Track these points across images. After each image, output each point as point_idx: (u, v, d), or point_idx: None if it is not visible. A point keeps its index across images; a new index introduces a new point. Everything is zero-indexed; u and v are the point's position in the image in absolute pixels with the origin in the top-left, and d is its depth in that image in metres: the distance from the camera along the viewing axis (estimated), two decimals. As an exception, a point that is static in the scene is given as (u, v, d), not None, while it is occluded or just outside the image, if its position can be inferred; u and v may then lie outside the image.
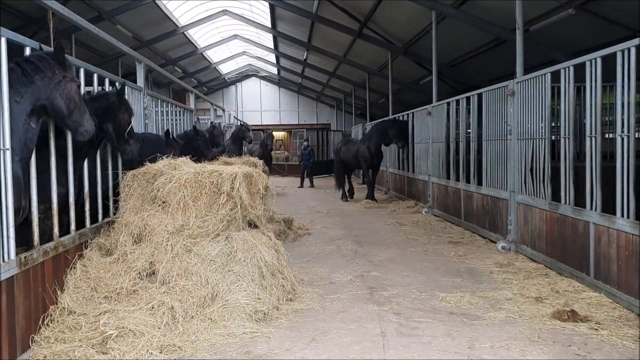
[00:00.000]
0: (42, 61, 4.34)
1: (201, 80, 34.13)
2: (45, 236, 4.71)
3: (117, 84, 6.22)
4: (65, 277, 4.92)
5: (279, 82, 38.93)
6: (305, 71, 31.13)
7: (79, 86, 4.67)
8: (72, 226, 5.11)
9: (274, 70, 35.65)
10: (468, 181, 10.41)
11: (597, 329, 4.77)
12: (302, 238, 9.88)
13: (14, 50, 4.35)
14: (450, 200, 11.54)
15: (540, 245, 7.37)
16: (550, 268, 6.93)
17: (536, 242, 7.49)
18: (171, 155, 6.42)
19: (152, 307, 4.68)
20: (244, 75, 39.15)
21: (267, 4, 19.83)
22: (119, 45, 7.27)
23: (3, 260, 3.91)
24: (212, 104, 19.40)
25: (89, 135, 4.66)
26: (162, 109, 9.25)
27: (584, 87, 6.25)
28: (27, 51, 4.47)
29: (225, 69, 35.48)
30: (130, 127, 5.64)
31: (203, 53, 28.29)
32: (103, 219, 5.88)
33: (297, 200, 17.03)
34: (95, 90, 5.89)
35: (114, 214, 6.00)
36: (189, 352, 4.35)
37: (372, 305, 5.65)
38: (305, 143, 24.21)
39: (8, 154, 3.95)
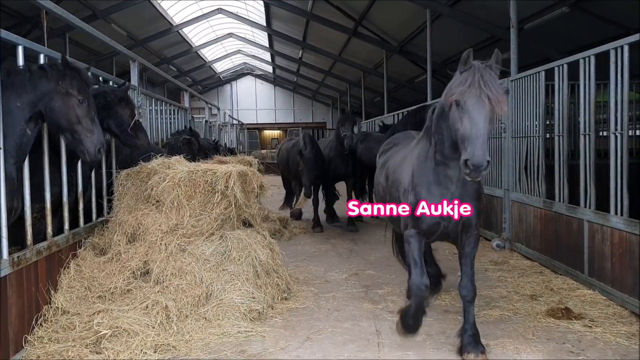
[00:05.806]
0: (53, 70, 4.21)
1: (196, 78, 34.05)
2: (40, 236, 4.68)
3: (100, 78, 5.99)
4: (59, 276, 4.90)
5: (275, 80, 38.89)
6: (300, 70, 31.10)
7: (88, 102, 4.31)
8: (66, 225, 5.08)
9: (269, 68, 35.61)
10: (463, 179, 10.40)
11: (591, 327, 4.80)
12: (298, 237, 9.86)
13: (7, 49, 4.32)
14: (445, 199, 11.52)
15: (534, 243, 7.39)
16: (545, 266, 6.95)
17: (531, 240, 7.51)
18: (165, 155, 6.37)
19: (146, 307, 4.67)
20: (239, 74, 39.09)
21: (261, 2, 19.78)
22: (113, 44, 7.23)
23: (-5, 260, 3.89)
24: (207, 102, 19.29)
25: (90, 156, 4.31)
26: (156, 108, 9.22)
27: (578, 85, 6.27)
28: (20, 50, 4.39)
29: (220, 67, 35.43)
30: (134, 120, 5.56)
31: (198, 52, 28.25)
32: (97, 218, 5.85)
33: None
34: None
35: (108, 213, 5.98)
36: (183, 351, 4.34)
37: (367, 304, 5.65)
38: None
39: (1, 153, 3.92)
